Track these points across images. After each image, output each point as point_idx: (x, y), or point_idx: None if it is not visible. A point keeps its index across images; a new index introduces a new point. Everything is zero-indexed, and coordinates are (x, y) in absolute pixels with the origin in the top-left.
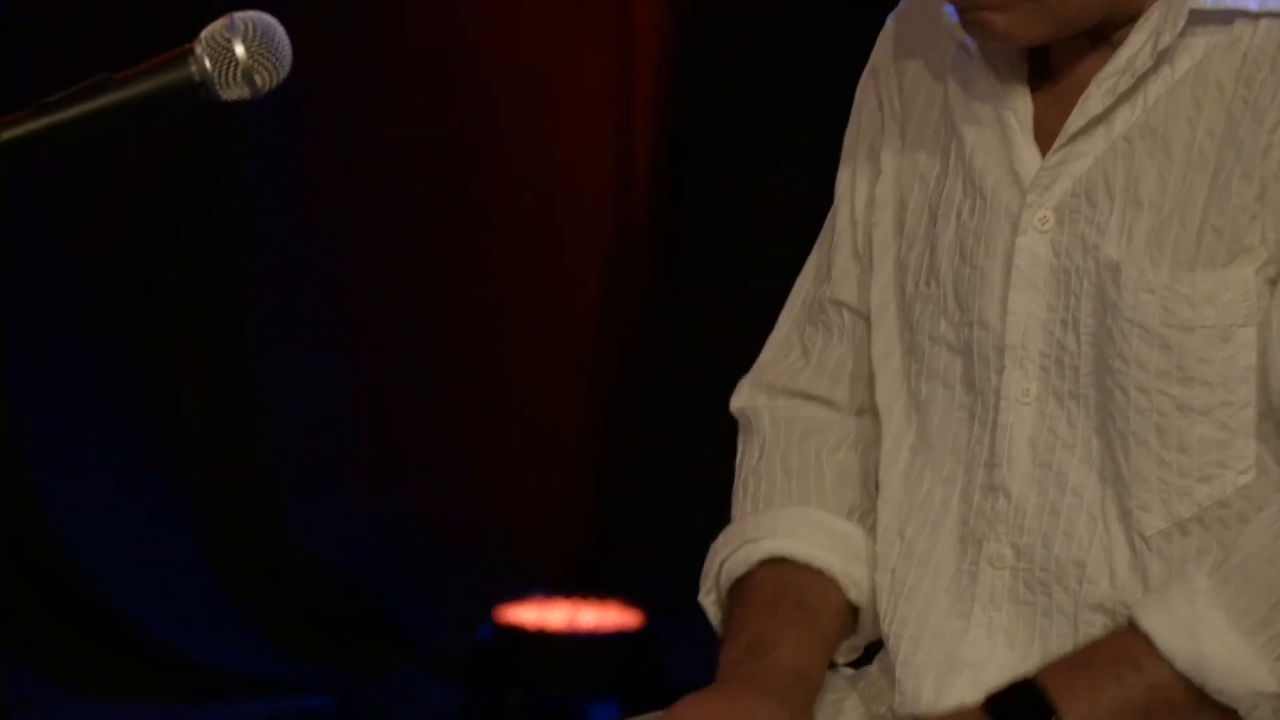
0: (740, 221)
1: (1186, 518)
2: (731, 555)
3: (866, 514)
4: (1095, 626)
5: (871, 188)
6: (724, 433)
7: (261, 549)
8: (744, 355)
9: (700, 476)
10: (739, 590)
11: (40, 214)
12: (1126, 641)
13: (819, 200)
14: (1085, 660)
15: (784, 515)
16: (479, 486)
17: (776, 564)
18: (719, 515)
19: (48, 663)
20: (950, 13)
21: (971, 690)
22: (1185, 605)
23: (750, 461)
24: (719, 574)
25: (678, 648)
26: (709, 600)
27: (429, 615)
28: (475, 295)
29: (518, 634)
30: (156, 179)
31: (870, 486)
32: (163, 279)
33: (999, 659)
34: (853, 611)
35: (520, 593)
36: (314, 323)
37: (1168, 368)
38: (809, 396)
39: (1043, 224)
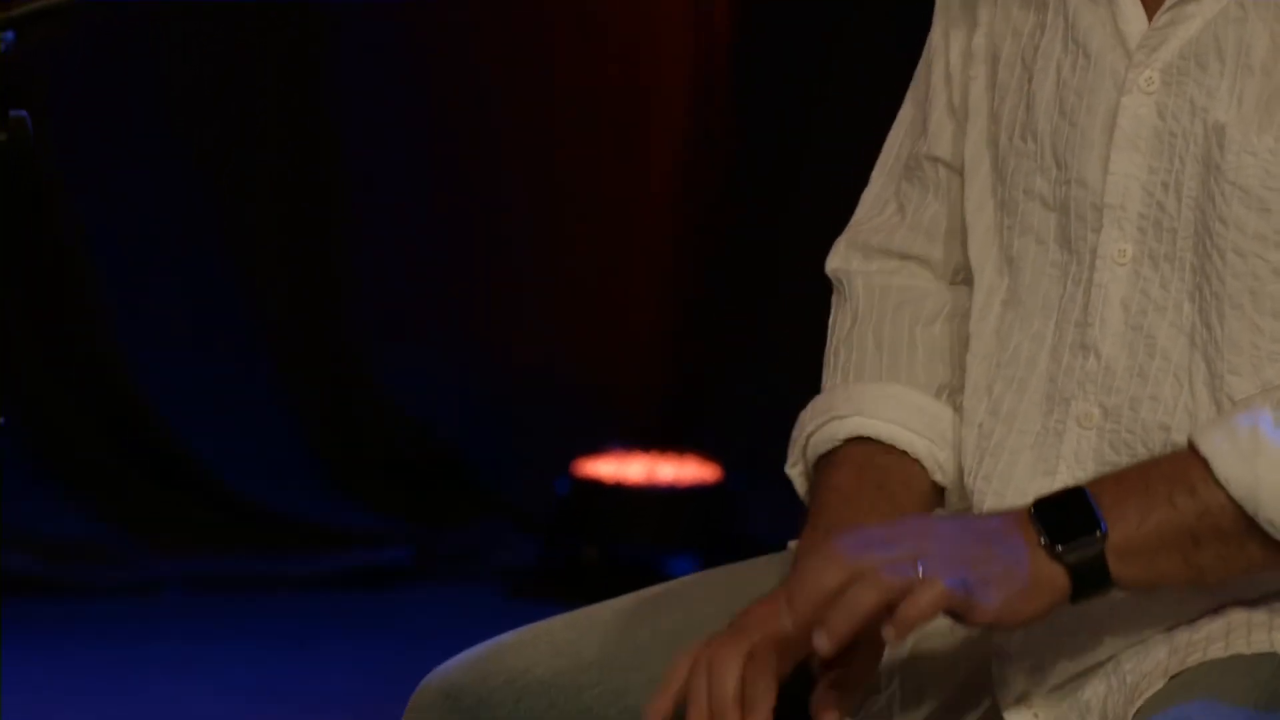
0: (811, 100)
1: (1277, 384)
2: (819, 430)
3: (956, 392)
4: None
5: (968, 40)
6: (802, 289)
7: (342, 403)
8: (820, 216)
9: (779, 331)
10: (823, 466)
11: (122, 65)
12: (1184, 463)
13: (887, 92)
14: (1140, 477)
15: (873, 391)
16: (559, 340)
17: (862, 443)
18: (796, 371)
19: (130, 517)
20: None
21: None
22: (1248, 433)
23: (842, 330)
24: (805, 447)
25: (755, 501)
26: (795, 472)
27: (507, 469)
28: (561, 162)
29: (595, 487)
30: (243, 29)
31: (961, 360)
32: (246, 132)
33: None
34: (937, 492)
35: (598, 446)
36: (399, 178)
37: (1265, 231)
38: (905, 256)
39: (1148, 85)
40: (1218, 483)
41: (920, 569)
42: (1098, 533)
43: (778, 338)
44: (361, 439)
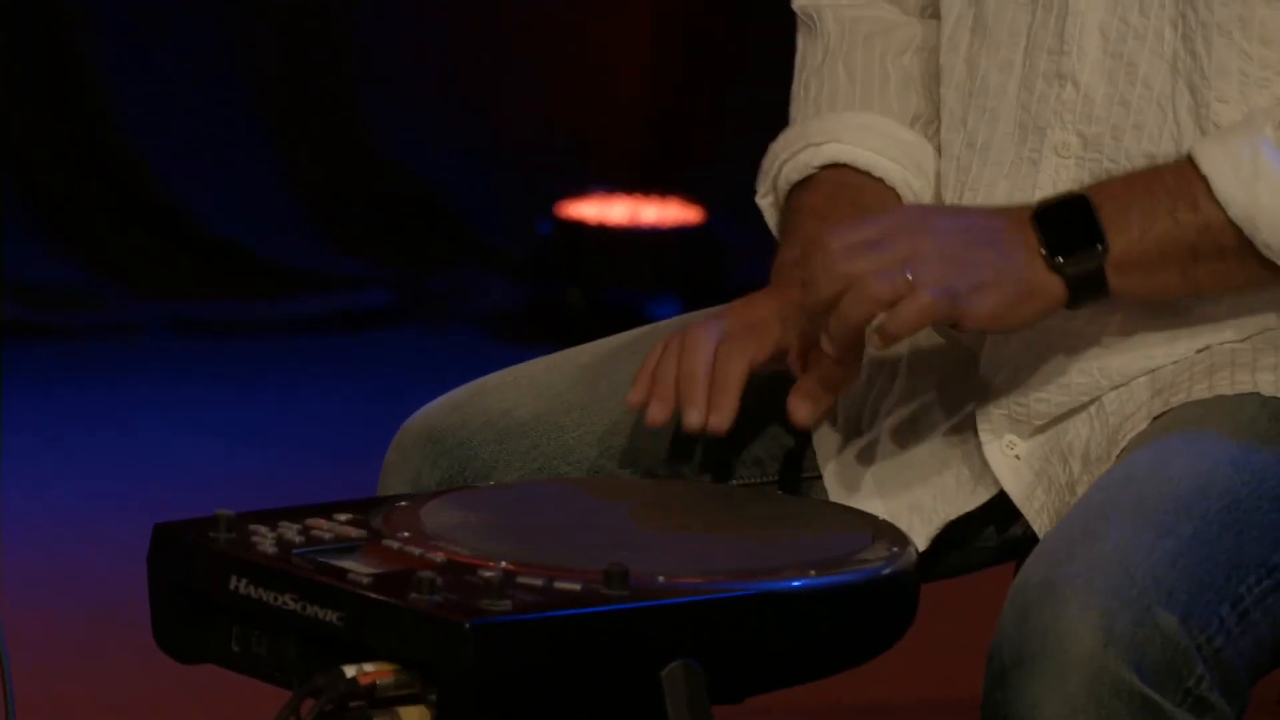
0: None
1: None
2: (792, 158)
3: (929, 121)
4: None
5: None
6: (787, 33)
7: (326, 148)
8: None
9: (761, 73)
10: (797, 193)
11: None
12: (1186, 177)
13: None
14: (1143, 188)
15: (847, 120)
16: (543, 84)
17: (836, 169)
18: (779, 113)
19: (116, 263)
20: None
21: None
22: (1249, 154)
23: (813, 62)
24: (777, 176)
25: (738, 243)
26: (766, 202)
27: (491, 211)
28: None
29: (578, 229)
30: None
31: (934, 91)
32: None
33: None
34: None
35: (582, 189)
36: None
37: None
38: None
39: None
40: (1217, 202)
41: (910, 275)
42: (1099, 246)
43: (762, 80)
44: (345, 183)
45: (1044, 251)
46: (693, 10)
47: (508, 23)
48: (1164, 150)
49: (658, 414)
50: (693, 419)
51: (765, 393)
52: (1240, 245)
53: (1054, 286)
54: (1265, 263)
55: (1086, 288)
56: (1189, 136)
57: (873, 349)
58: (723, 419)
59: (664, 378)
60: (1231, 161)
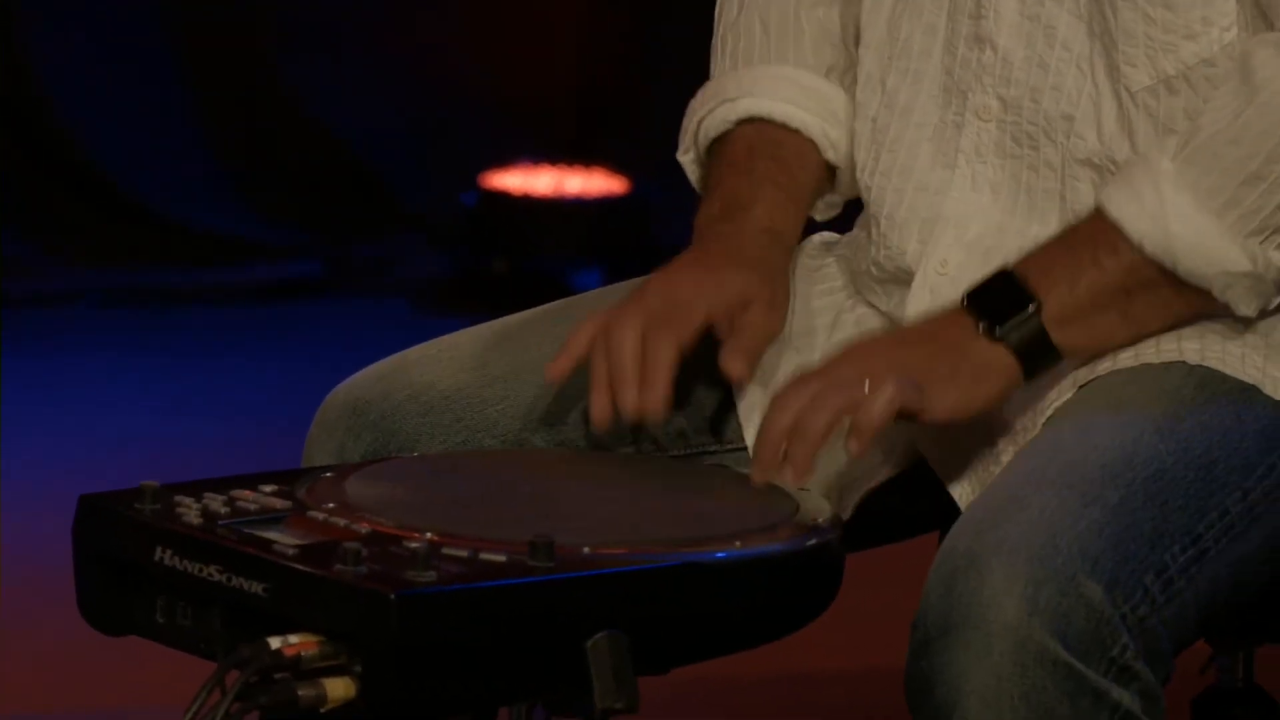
0: None
1: (1172, 75)
2: (710, 114)
3: (845, 72)
4: (1082, 181)
5: None
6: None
7: (253, 117)
8: None
9: (688, 40)
10: (717, 148)
11: None
12: (1100, 226)
13: None
14: (1062, 246)
15: (763, 73)
16: (468, 54)
17: (754, 123)
18: (703, 80)
19: (40, 230)
20: None
21: (955, 247)
22: (1151, 190)
23: (729, 16)
24: (697, 132)
25: (663, 213)
26: (687, 159)
27: (417, 182)
28: None
29: (503, 200)
30: None
31: (850, 44)
32: None
33: (984, 213)
34: (830, 171)
35: (507, 160)
36: None
37: None
38: None
39: None
40: (1132, 243)
41: (866, 384)
42: (1031, 306)
43: (685, 48)
44: (272, 153)
45: (981, 328)
46: None
47: None
48: (1082, 112)
49: (598, 401)
50: (628, 406)
51: (689, 365)
52: (1169, 277)
53: (1002, 358)
54: (1198, 290)
55: (1033, 351)
56: (1106, 98)
57: (851, 453)
58: (656, 398)
59: (595, 372)
60: (1137, 201)
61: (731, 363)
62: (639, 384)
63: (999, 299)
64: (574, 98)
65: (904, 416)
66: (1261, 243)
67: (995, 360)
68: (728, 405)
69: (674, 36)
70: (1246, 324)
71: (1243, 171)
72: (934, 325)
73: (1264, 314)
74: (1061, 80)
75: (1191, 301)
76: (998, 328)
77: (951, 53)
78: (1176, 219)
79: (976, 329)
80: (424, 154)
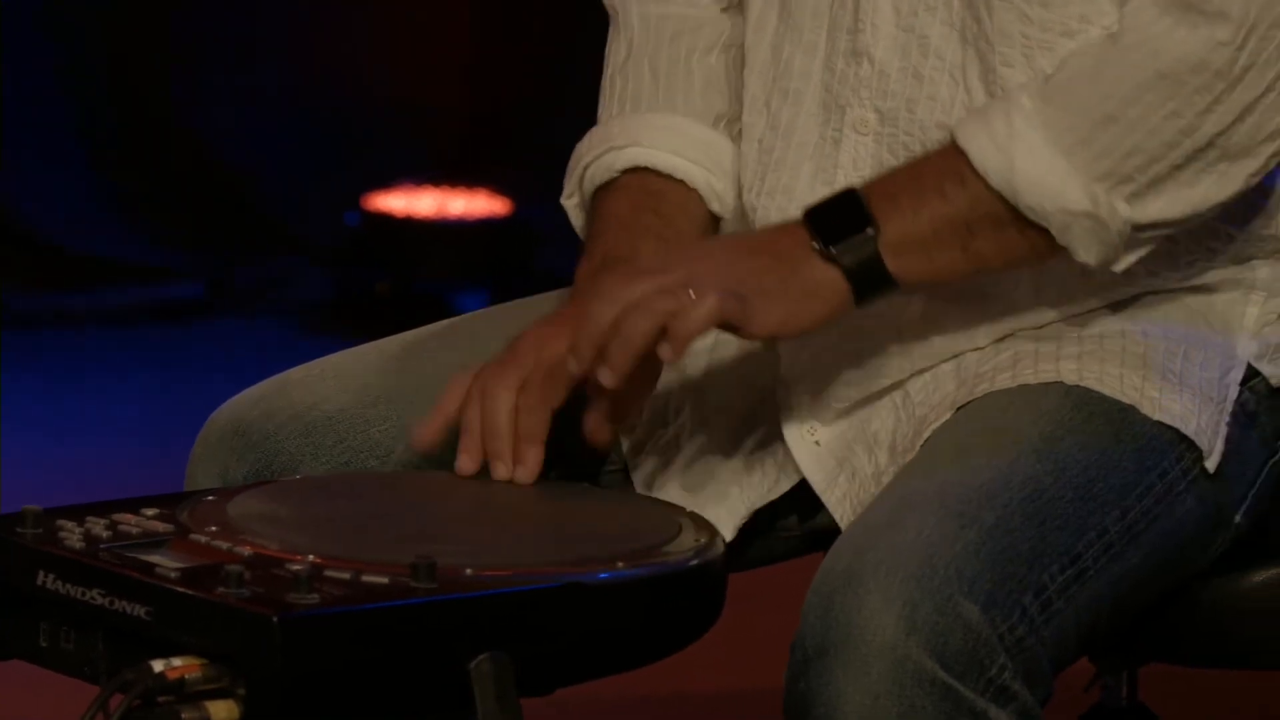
0: None
1: (1050, 73)
2: (595, 161)
3: (733, 121)
4: None
5: None
6: (597, 20)
7: (134, 136)
8: None
9: (571, 66)
10: (601, 197)
11: None
12: (951, 156)
13: None
14: (910, 173)
15: (650, 121)
16: (350, 74)
17: (639, 173)
18: (588, 106)
19: None
20: None
21: None
22: (1003, 122)
23: (618, 60)
24: (582, 178)
25: (547, 235)
26: (572, 204)
27: (299, 202)
28: None
29: (386, 221)
30: None
31: (739, 90)
32: None
33: None
34: (713, 221)
35: (390, 181)
36: None
37: None
38: None
39: None
40: (978, 174)
41: (691, 292)
42: (869, 229)
43: (571, 71)
44: (154, 174)
45: (816, 246)
46: (504, 2)
47: (320, 15)
48: (957, 119)
49: (467, 464)
50: (500, 472)
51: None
52: (1013, 214)
53: (834, 280)
54: (1041, 230)
55: (867, 276)
56: (981, 103)
57: (664, 359)
58: (529, 472)
59: (469, 428)
60: (988, 132)
61: (597, 432)
62: (513, 457)
63: (838, 218)
64: (458, 119)
65: (726, 328)
66: (1109, 190)
67: (826, 280)
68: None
69: (558, 59)
70: (1124, 345)
71: (1098, 112)
72: (769, 237)
73: (1142, 336)
74: (936, 89)
75: (1034, 242)
76: (833, 247)
77: (830, 69)
78: (1023, 153)
79: (811, 246)
80: (307, 174)
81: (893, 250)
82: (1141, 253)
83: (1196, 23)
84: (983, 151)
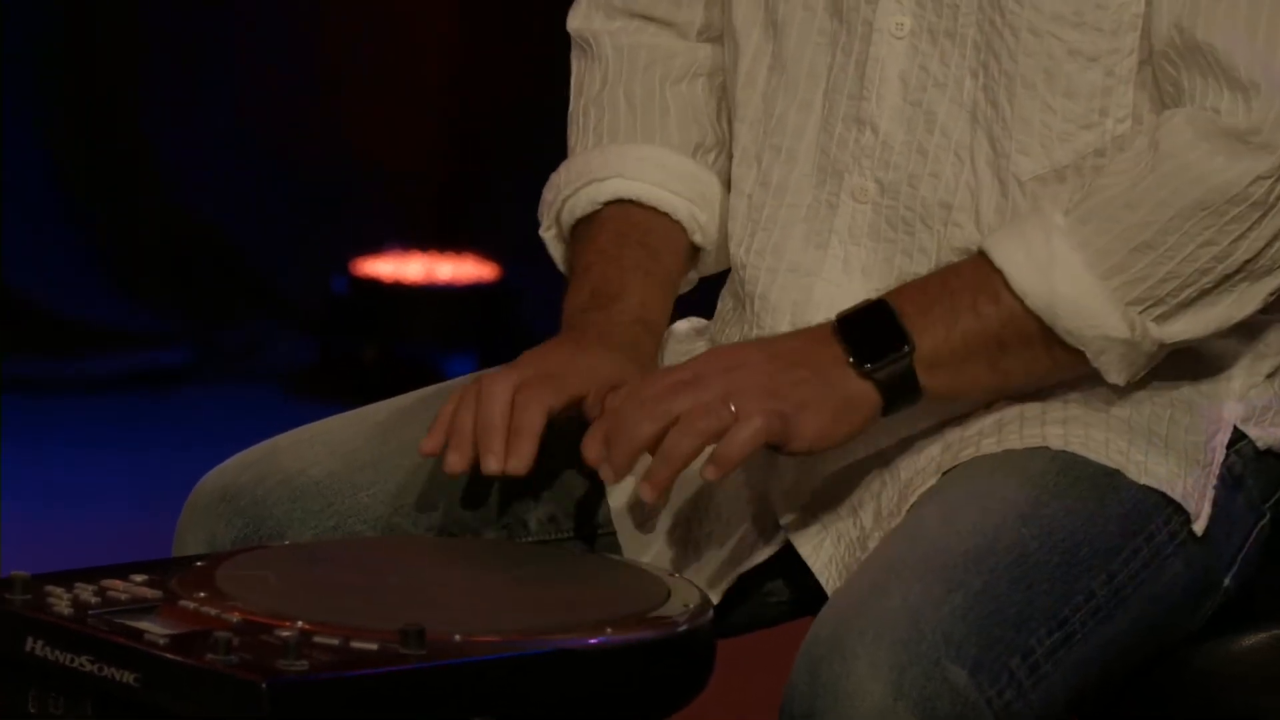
0: None
1: (1064, 165)
2: (575, 193)
3: (710, 149)
4: None
5: None
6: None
7: (121, 201)
8: None
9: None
10: (582, 229)
11: None
12: (983, 271)
13: None
14: (942, 286)
15: (630, 153)
16: (337, 139)
17: (621, 205)
18: None
19: None
20: None
21: None
22: (1041, 242)
23: (590, 90)
24: (561, 210)
25: (534, 299)
26: (550, 235)
27: (287, 269)
28: None
29: (373, 286)
30: None
31: (716, 119)
32: None
33: (854, 296)
34: (696, 253)
35: (377, 247)
36: None
37: (1063, 11)
38: (648, 18)
39: None
40: (1015, 294)
41: (733, 408)
42: (906, 347)
43: (555, 135)
44: (141, 238)
45: (852, 360)
46: (485, 69)
47: (304, 81)
48: (960, 200)
49: (455, 462)
50: (491, 465)
51: (558, 449)
52: (1044, 333)
53: (868, 394)
54: (1070, 349)
55: (899, 390)
56: (986, 187)
57: (707, 479)
58: (521, 463)
59: (461, 427)
60: (1025, 252)
61: (591, 445)
62: (505, 442)
63: (873, 333)
64: (444, 184)
65: (768, 447)
66: (1141, 312)
67: (861, 395)
68: (597, 490)
69: (540, 123)
70: (1110, 409)
71: (1136, 238)
72: (803, 346)
73: (1127, 399)
74: (940, 167)
75: (1062, 361)
76: (869, 364)
77: (828, 132)
78: (1063, 276)
79: (846, 359)
80: (294, 240)
81: (926, 367)
82: (1156, 363)
83: (1238, 152)
84: (1020, 271)
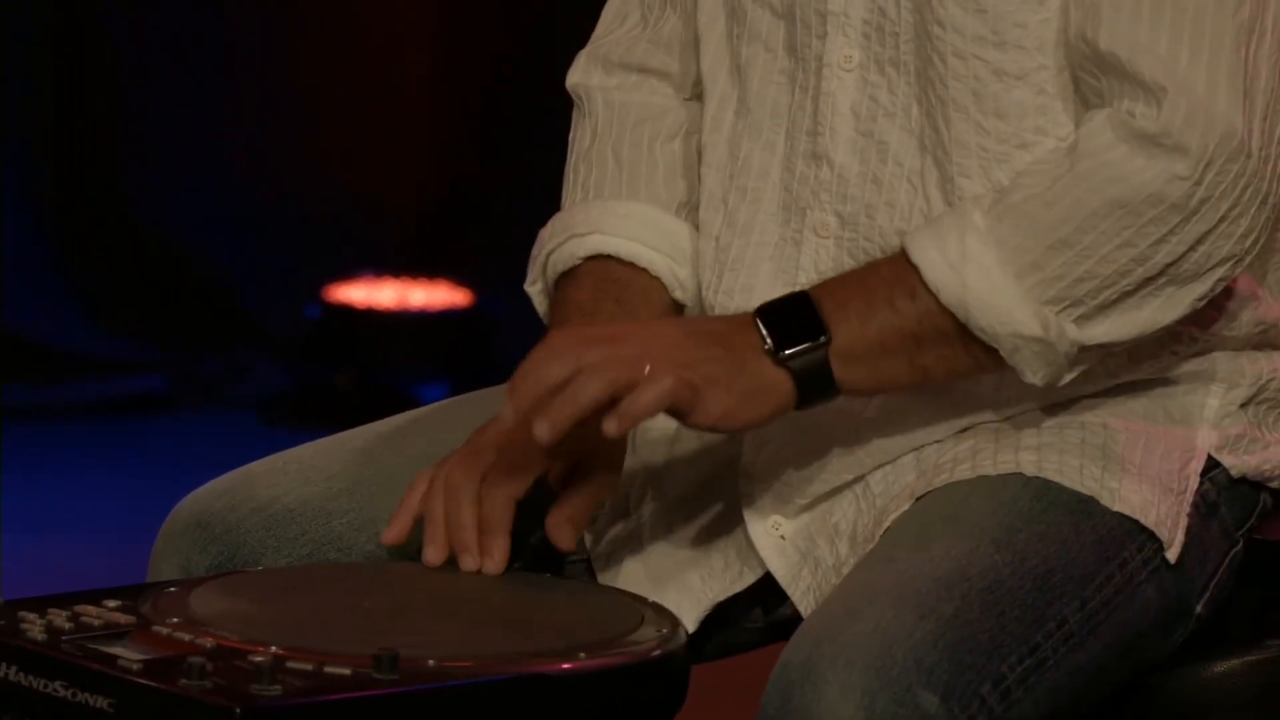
0: None
1: (1006, 186)
2: (558, 248)
3: (695, 209)
4: None
5: None
6: (556, 110)
7: (95, 230)
8: (580, 36)
9: (533, 156)
10: (564, 283)
11: None
12: (902, 268)
13: None
14: (861, 281)
15: (613, 209)
16: (311, 166)
17: (601, 261)
18: (550, 194)
19: None
20: None
21: None
22: (956, 240)
23: (582, 146)
24: (545, 265)
25: (508, 326)
26: (535, 290)
27: (260, 295)
28: None
29: (347, 313)
30: None
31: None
32: None
33: None
34: (677, 309)
35: (350, 273)
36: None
37: (983, 32)
38: (645, 70)
39: None
40: (930, 290)
41: (646, 368)
42: (821, 337)
43: (532, 161)
44: (115, 267)
45: (767, 346)
46: (461, 96)
47: (279, 109)
48: (915, 226)
49: (433, 557)
50: (469, 565)
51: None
52: (960, 331)
53: (782, 382)
54: (988, 348)
55: (813, 381)
56: (938, 212)
57: (608, 433)
58: (496, 562)
59: (433, 518)
60: (939, 248)
61: (559, 533)
62: (478, 548)
63: (790, 321)
64: (418, 211)
65: (670, 413)
66: (1058, 312)
67: (774, 382)
68: None
69: (517, 150)
70: (1084, 435)
71: (1051, 236)
72: (722, 328)
73: (1102, 427)
74: (894, 196)
75: (979, 358)
76: (783, 352)
77: (790, 170)
78: (975, 273)
79: (762, 345)
80: (268, 267)
81: (841, 359)
82: (1084, 368)
83: (1155, 154)
84: (935, 268)
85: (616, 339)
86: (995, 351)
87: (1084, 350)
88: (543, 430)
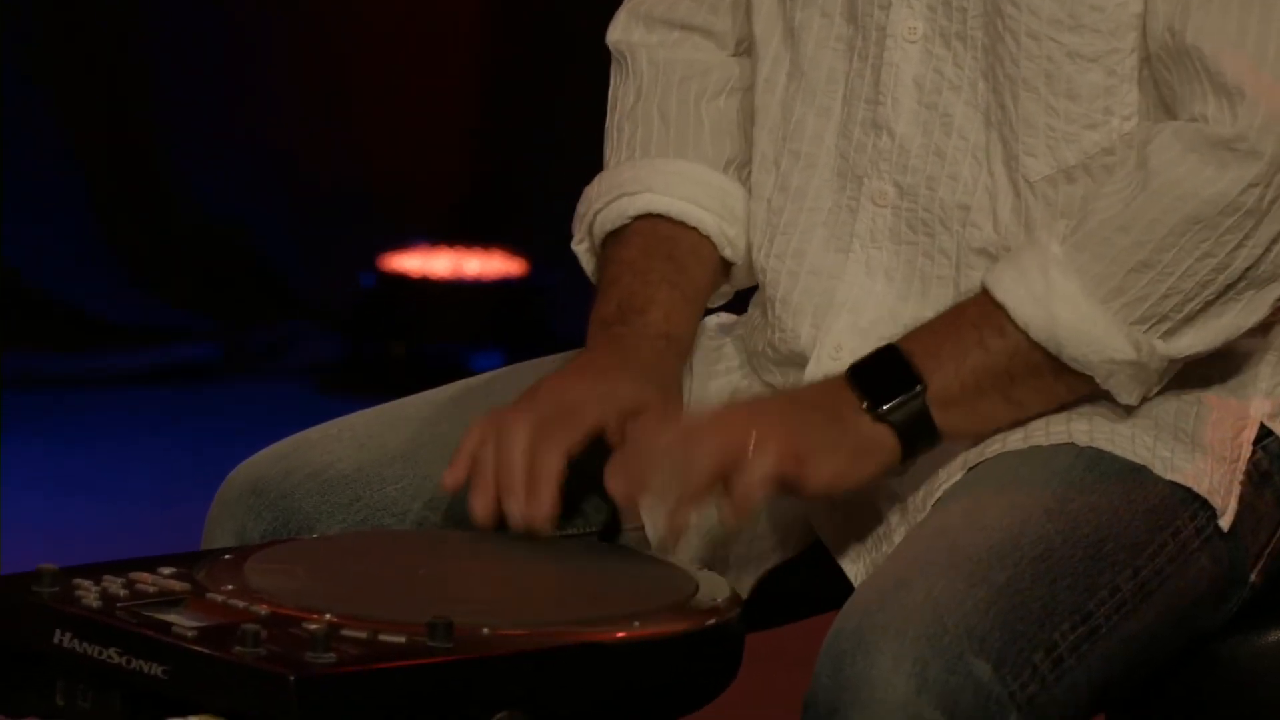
0: None
1: (1072, 165)
2: (606, 207)
3: (743, 164)
4: (976, 270)
5: None
6: (604, 77)
7: (149, 201)
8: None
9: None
10: (612, 242)
11: None
12: (987, 307)
13: None
14: (949, 325)
15: (661, 167)
16: (362, 136)
17: (650, 219)
18: (599, 165)
19: None
20: None
21: (849, 333)
22: (1038, 274)
23: (625, 104)
24: (593, 223)
25: (561, 294)
26: (582, 248)
27: (314, 265)
28: None
29: (401, 282)
30: None
31: (748, 134)
32: None
33: (877, 299)
34: (725, 267)
35: (404, 242)
36: None
37: (1059, 15)
38: (687, 27)
39: None
40: (1018, 327)
41: (752, 442)
42: (917, 387)
43: (583, 130)
44: (169, 237)
45: (865, 404)
46: (512, 63)
47: (329, 76)
48: (978, 201)
49: (481, 508)
50: (513, 510)
51: (589, 445)
52: (1052, 363)
53: (885, 438)
54: (1080, 375)
55: (915, 432)
56: (1002, 189)
57: (724, 523)
58: (542, 511)
59: (482, 468)
60: (1024, 284)
61: (616, 481)
62: (525, 494)
63: (884, 377)
64: (473, 180)
65: (781, 487)
66: (1146, 331)
67: (877, 438)
68: None
69: (569, 118)
70: (1136, 405)
71: (1131, 259)
72: (820, 394)
73: (1153, 395)
74: (957, 169)
75: (1074, 387)
76: (882, 407)
77: (847, 137)
78: (1062, 305)
79: (860, 405)
80: (322, 236)
81: (940, 405)
82: (1170, 377)
83: (1226, 161)
84: (1021, 304)
85: (719, 421)
86: (1088, 378)
87: (1173, 363)
88: (671, 539)
